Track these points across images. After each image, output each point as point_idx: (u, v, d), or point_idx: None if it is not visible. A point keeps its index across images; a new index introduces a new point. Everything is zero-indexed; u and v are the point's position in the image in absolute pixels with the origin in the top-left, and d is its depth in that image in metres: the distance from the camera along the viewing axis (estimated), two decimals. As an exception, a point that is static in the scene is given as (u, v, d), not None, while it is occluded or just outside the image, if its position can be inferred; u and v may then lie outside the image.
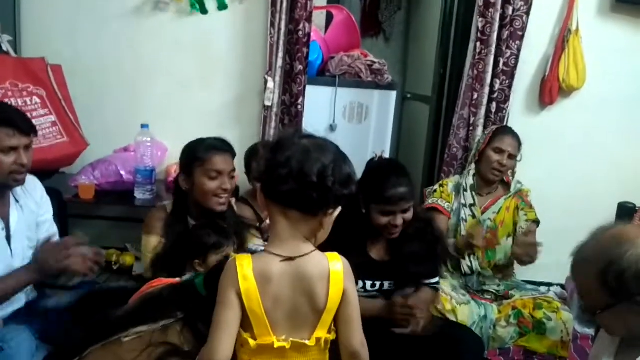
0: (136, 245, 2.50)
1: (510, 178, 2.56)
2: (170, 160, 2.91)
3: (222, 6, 2.84)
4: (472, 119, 2.83)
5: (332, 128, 3.08)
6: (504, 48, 2.73)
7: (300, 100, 2.80)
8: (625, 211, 2.66)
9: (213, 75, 2.94)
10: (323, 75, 3.15)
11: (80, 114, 2.72)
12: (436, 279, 2.04)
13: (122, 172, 2.70)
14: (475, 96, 2.80)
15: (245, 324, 1.18)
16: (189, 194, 1.98)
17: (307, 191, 1.12)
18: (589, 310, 1.25)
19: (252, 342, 1.17)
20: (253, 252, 1.27)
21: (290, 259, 1.17)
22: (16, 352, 1.60)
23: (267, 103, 2.79)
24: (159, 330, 1.33)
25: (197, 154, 1.95)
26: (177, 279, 1.57)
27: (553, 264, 2.42)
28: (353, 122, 3.15)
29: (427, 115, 3.48)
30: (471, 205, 2.45)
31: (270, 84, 2.76)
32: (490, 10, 2.69)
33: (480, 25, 2.73)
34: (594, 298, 1.22)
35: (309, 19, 2.71)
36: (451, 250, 2.39)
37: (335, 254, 1.23)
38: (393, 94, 3.19)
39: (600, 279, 1.18)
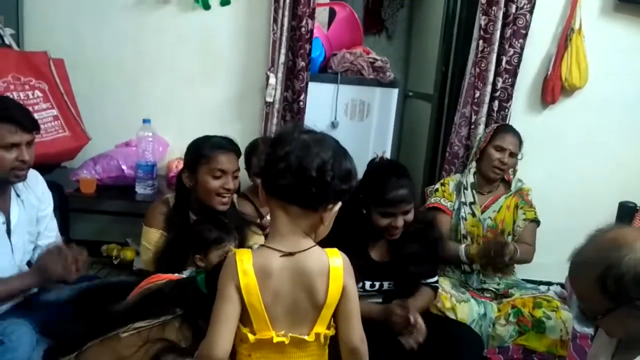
0: (137, 240, 2.50)
1: (511, 176, 2.56)
2: (172, 155, 2.91)
3: (224, 1, 2.83)
4: (473, 117, 2.82)
5: (333, 125, 3.08)
6: (506, 46, 2.72)
7: (302, 97, 2.80)
8: (626, 211, 2.66)
9: (215, 70, 2.94)
10: (325, 72, 3.15)
11: (82, 108, 2.72)
12: (435, 278, 2.04)
13: (124, 167, 2.70)
14: (477, 94, 2.80)
15: (245, 318, 1.18)
16: (192, 190, 1.97)
17: (307, 186, 1.12)
18: (589, 314, 1.25)
19: (251, 336, 1.17)
20: None
21: (290, 254, 1.17)
22: (17, 346, 1.60)
23: (269, 99, 2.78)
24: (157, 326, 1.34)
25: (203, 151, 1.94)
26: (176, 275, 1.57)
27: (553, 263, 2.41)
28: (355, 119, 3.15)
29: (428, 113, 3.47)
30: (471, 203, 2.45)
31: (272, 80, 2.76)
32: (493, 8, 2.68)
33: (483, 23, 2.72)
34: (593, 302, 1.22)
35: (311, 16, 2.71)
36: (461, 256, 2.37)
37: (335, 249, 1.23)
38: (395, 92, 3.19)
39: (599, 284, 1.17)
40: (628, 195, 2.75)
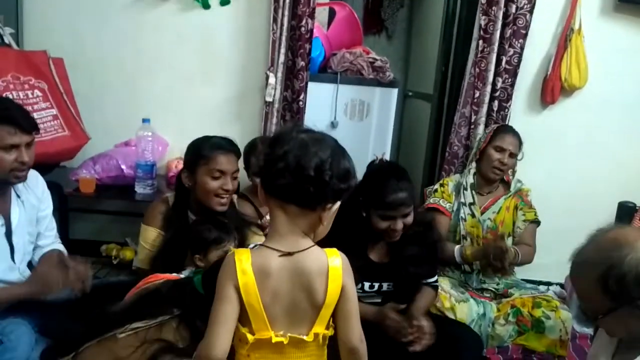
0: (136, 239, 2.50)
1: (511, 177, 2.56)
2: (171, 155, 2.91)
3: (224, 1, 2.83)
4: (473, 117, 2.82)
5: (333, 125, 3.08)
6: (506, 46, 2.72)
7: (301, 97, 2.79)
8: (625, 211, 2.66)
9: (214, 70, 2.94)
10: (325, 72, 3.15)
11: (82, 107, 2.72)
12: (434, 278, 2.04)
13: (123, 167, 2.70)
14: (477, 94, 2.80)
15: (244, 318, 1.18)
16: (191, 191, 1.97)
17: (305, 185, 1.12)
18: (590, 314, 1.25)
19: (250, 336, 1.17)
20: None
21: (289, 254, 1.17)
22: (16, 345, 1.60)
23: (269, 99, 2.78)
24: (155, 326, 1.33)
25: (202, 152, 1.94)
26: (174, 275, 1.57)
27: (553, 263, 2.42)
28: (354, 119, 3.15)
29: (428, 113, 3.47)
30: (471, 204, 2.44)
31: (271, 80, 2.75)
32: (493, 8, 2.68)
33: (483, 23, 2.72)
34: (594, 302, 1.22)
35: (311, 15, 2.71)
36: (455, 256, 2.37)
37: (334, 249, 1.23)
38: (394, 92, 3.19)
39: (600, 283, 1.17)
40: (627, 196, 2.75)
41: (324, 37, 3.14)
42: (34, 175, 1.89)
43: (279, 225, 1.19)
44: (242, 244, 1.88)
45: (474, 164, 2.50)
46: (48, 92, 2.57)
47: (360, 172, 1.69)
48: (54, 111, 2.56)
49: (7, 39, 2.61)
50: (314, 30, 2.79)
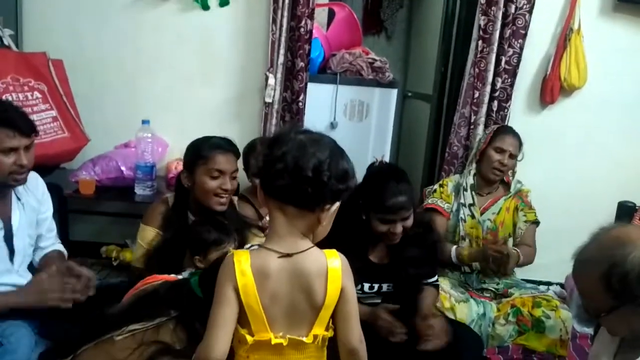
0: (136, 240, 2.51)
1: (510, 178, 2.56)
2: (171, 156, 2.91)
3: (223, 2, 2.83)
4: (473, 118, 2.82)
5: (332, 126, 3.08)
6: (506, 46, 2.72)
7: (301, 98, 2.79)
8: (625, 210, 2.66)
9: (214, 71, 2.94)
10: (324, 73, 3.15)
11: (81, 109, 2.72)
12: (435, 278, 2.04)
13: (123, 168, 2.70)
14: (477, 95, 2.80)
15: (243, 320, 1.18)
16: (190, 191, 1.97)
17: (303, 186, 1.12)
18: (592, 312, 1.25)
19: (249, 338, 1.17)
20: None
21: (288, 255, 1.17)
22: (16, 348, 1.60)
23: (268, 100, 2.78)
24: (152, 328, 1.33)
25: (201, 152, 1.94)
26: (173, 276, 1.57)
27: (553, 263, 2.43)
28: (354, 120, 3.15)
29: (428, 113, 3.47)
30: (470, 205, 2.45)
31: (271, 81, 2.75)
32: (493, 8, 2.68)
33: (482, 23, 2.72)
34: (597, 300, 1.22)
35: (310, 16, 2.71)
36: (452, 256, 2.37)
37: (334, 251, 1.23)
38: (394, 92, 3.19)
39: (603, 282, 1.18)
40: (627, 195, 2.75)
41: (324, 37, 3.15)
42: (34, 178, 1.88)
43: (278, 226, 1.19)
44: (242, 245, 1.87)
45: (473, 165, 2.50)
46: (48, 94, 2.57)
47: (359, 173, 1.69)
48: (54, 113, 2.56)
49: (7, 41, 2.61)
50: (314, 31, 2.79)
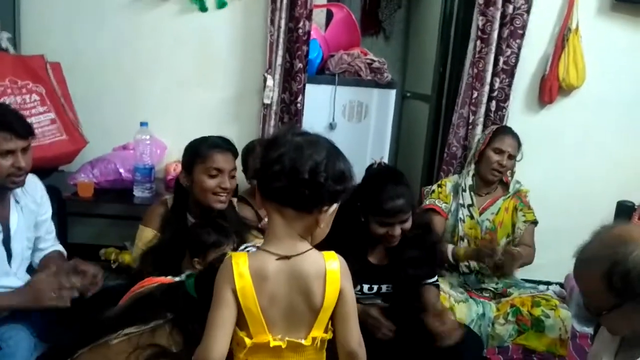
0: (134, 243, 2.50)
1: (509, 178, 2.56)
2: (170, 158, 2.91)
3: (220, 4, 2.83)
4: (471, 118, 2.82)
5: (331, 127, 3.08)
6: (504, 47, 2.72)
7: (299, 99, 2.79)
8: (624, 210, 2.66)
9: (212, 72, 2.94)
10: (323, 74, 3.15)
11: (80, 111, 2.72)
12: (435, 278, 2.04)
13: (121, 170, 2.69)
14: (475, 95, 2.80)
15: (241, 322, 1.17)
16: (189, 192, 1.97)
17: (300, 188, 1.12)
18: (594, 310, 1.25)
19: (247, 340, 1.17)
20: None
21: (286, 257, 1.17)
22: (15, 351, 1.60)
23: (267, 101, 2.78)
24: (148, 331, 1.33)
25: (199, 151, 1.94)
26: (169, 278, 1.56)
27: (552, 263, 2.43)
28: (352, 120, 3.15)
29: (426, 113, 3.48)
30: (469, 206, 2.45)
31: (269, 82, 2.75)
32: (491, 8, 2.68)
33: (480, 23, 2.72)
34: (598, 299, 1.22)
35: (309, 17, 2.71)
36: (449, 256, 2.37)
37: (332, 252, 1.22)
38: (392, 93, 3.19)
39: (605, 280, 1.18)
40: (625, 195, 2.75)
41: (322, 38, 3.15)
42: (32, 180, 1.88)
43: (276, 228, 1.19)
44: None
45: (472, 166, 2.50)
46: (46, 97, 2.56)
47: (358, 174, 1.69)
48: (52, 115, 2.56)
49: (4, 44, 2.61)
50: (312, 32, 2.80)
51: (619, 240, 1.19)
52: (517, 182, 2.55)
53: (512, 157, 2.42)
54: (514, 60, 2.75)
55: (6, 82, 2.44)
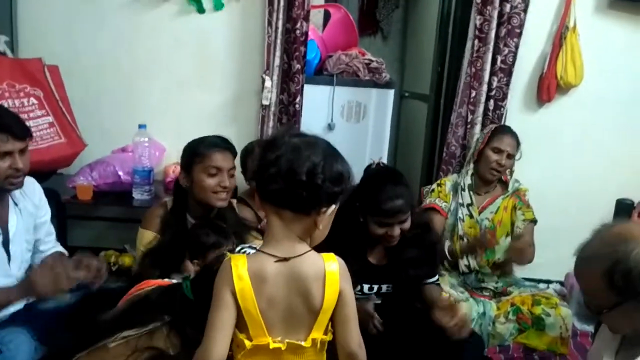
0: (134, 245, 2.50)
1: (508, 177, 2.56)
2: (168, 160, 2.91)
3: (218, 5, 2.83)
4: (470, 117, 2.83)
5: (330, 127, 3.08)
6: (501, 46, 2.73)
7: (298, 100, 2.79)
8: (623, 208, 2.67)
9: (210, 74, 2.94)
10: (321, 74, 3.15)
11: (78, 114, 2.71)
12: (435, 278, 2.04)
13: (120, 173, 2.69)
14: (473, 94, 2.80)
15: (241, 324, 1.18)
16: (189, 191, 1.97)
17: (297, 190, 1.12)
18: (595, 309, 1.25)
19: (247, 343, 1.17)
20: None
21: (285, 259, 1.17)
22: (15, 354, 1.60)
23: (265, 102, 2.78)
24: (146, 334, 1.32)
25: (197, 150, 1.95)
26: (167, 280, 1.56)
27: (552, 261, 2.43)
28: (351, 121, 3.15)
29: (425, 113, 3.48)
30: (469, 205, 2.45)
31: (267, 83, 2.75)
32: (488, 7, 2.68)
33: (478, 22, 2.73)
34: (599, 297, 1.22)
35: (306, 18, 2.71)
36: (446, 252, 2.39)
37: (331, 254, 1.22)
38: (391, 93, 3.19)
39: (606, 278, 1.18)
40: (624, 193, 2.76)
41: (319, 39, 3.14)
42: (30, 183, 1.88)
43: (274, 230, 1.19)
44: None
45: (471, 165, 2.50)
46: (44, 100, 2.56)
47: (357, 174, 1.69)
48: (50, 119, 2.55)
49: (2, 47, 2.61)
50: (309, 33, 2.79)
51: (620, 239, 1.19)
52: (516, 181, 2.55)
53: (511, 157, 2.42)
54: (511, 59, 2.75)
55: (4, 85, 2.44)
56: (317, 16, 3.38)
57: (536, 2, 2.73)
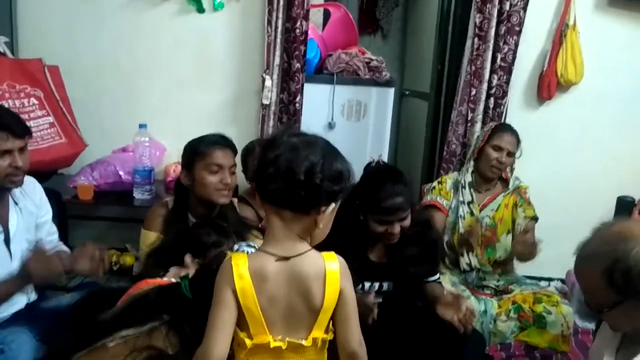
0: (136, 245, 2.50)
1: (509, 174, 2.56)
2: (169, 160, 2.91)
3: (217, 5, 2.83)
4: (470, 115, 2.83)
5: (330, 126, 3.08)
6: (501, 44, 2.73)
7: (298, 99, 2.79)
8: (624, 205, 2.66)
9: (210, 74, 2.94)
10: (321, 73, 3.15)
11: (78, 114, 2.71)
12: (437, 276, 2.04)
13: (121, 173, 2.69)
14: (474, 92, 2.80)
15: (241, 323, 1.18)
16: (191, 190, 1.98)
17: (295, 189, 1.12)
18: (595, 307, 1.25)
19: (248, 341, 1.17)
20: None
21: (285, 258, 1.17)
22: (17, 354, 1.60)
23: (265, 101, 2.78)
24: (144, 333, 1.33)
25: (198, 148, 1.96)
26: (165, 280, 1.56)
27: (552, 259, 2.43)
28: (351, 119, 3.15)
29: (425, 111, 3.47)
30: (469, 203, 2.45)
31: (268, 83, 2.75)
32: (488, 5, 2.68)
33: (477, 21, 2.73)
34: (599, 296, 1.22)
35: (306, 17, 2.71)
36: (445, 248, 2.39)
37: (332, 253, 1.22)
38: (391, 91, 3.19)
39: (606, 277, 1.18)
40: (625, 190, 2.75)
41: (319, 38, 3.14)
42: (31, 182, 1.89)
43: (274, 229, 1.19)
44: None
45: (472, 163, 2.50)
46: (44, 100, 2.56)
47: (358, 173, 1.69)
48: (51, 119, 2.55)
49: (2, 48, 2.61)
50: (309, 32, 2.79)
51: (620, 237, 1.19)
52: (517, 178, 2.55)
53: (511, 154, 2.42)
54: (511, 57, 2.75)
55: (4, 86, 2.44)
56: (316, 15, 3.38)
57: (535, 0, 2.73)
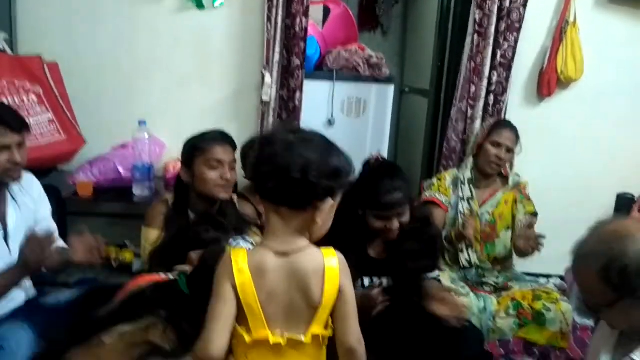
0: (135, 241, 2.50)
1: (509, 171, 2.56)
2: (169, 156, 2.90)
3: (217, 1, 2.82)
4: (470, 112, 2.82)
5: (330, 123, 3.08)
6: (501, 40, 2.72)
7: (297, 95, 2.79)
8: (624, 202, 2.67)
9: (210, 70, 2.94)
10: (321, 70, 3.15)
11: (78, 111, 2.71)
12: (436, 273, 2.04)
13: (120, 169, 2.69)
14: (473, 89, 2.80)
15: (241, 318, 1.18)
16: (191, 186, 1.98)
17: (291, 187, 1.12)
18: (592, 306, 1.25)
19: (247, 337, 1.17)
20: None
21: (284, 254, 1.17)
22: (16, 350, 1.60)
23: (265, 98, 2.78)
24: (142, 329, 1.33)
25: (198, 144, 1.96)
26: (163, 275, 1.56)
27: (552, 256, 2.42)
28: (351, 116, 3.15)
29: (425, 108, 3.47)
30: (469, 199, 2.45)
31: (267, 79, 2.75)
32: (488, 2, 2.68)
33: (477, 17, 2.72)
34: (596, 294, 1.22)
35: (305, 14, 2.70)
36: (445, 243, 2.39)
37: (331, 249, 1.22)
38: (391, 88, 3.19)
39: (602, 276, 1.18)
40: (624, 187, 2.76)
41: (319, 35, 3.14)
42: (29, 178, 1.89)
43: (273, 226, 1.19)
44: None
45: (471, 159, 2.51)
46: (43, 97, 2.56)
47: (358, 170, 1.69)
48: (50, 115, 2.55)
49: (1, 44, 2.61)
50: (309, 29, 2.79)
51: (616, 236, 1.19)
52: (517, 174, 2.55)
53: (510, 151, 2.42)
54: (511, 54, 2.75)
55: (3, 82, 2.43)
56: (316, 12, 3.37)
57: (535, -4, 2.74)
